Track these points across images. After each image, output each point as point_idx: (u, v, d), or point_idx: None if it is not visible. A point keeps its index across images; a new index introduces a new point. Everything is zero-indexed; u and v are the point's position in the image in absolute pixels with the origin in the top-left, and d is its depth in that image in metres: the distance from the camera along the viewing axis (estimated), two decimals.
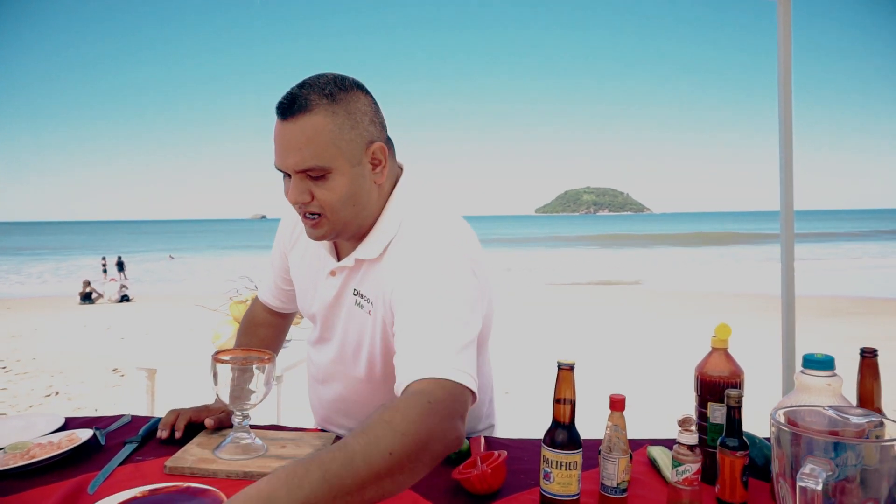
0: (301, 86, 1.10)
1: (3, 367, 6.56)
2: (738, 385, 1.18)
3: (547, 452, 1.05)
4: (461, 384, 0.98)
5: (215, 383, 1.21)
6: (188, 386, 4.93)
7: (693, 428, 1.06)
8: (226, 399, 1.22)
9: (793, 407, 0.92)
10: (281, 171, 1.14)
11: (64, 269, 23.26)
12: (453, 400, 0.96)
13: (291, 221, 1.41)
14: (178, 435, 1.33)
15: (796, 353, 2.07)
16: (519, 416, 4.67)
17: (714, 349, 1.21)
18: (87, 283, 13.57)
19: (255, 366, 1.21)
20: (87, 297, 13.34)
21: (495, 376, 1.54)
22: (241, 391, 1.22)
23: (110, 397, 5.33)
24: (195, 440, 1.31)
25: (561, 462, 1.03)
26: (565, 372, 1.05)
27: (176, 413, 1.38)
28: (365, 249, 1.21)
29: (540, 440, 1.37)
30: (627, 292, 13.90)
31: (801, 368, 1.10)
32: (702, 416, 1.21)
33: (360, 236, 1.22)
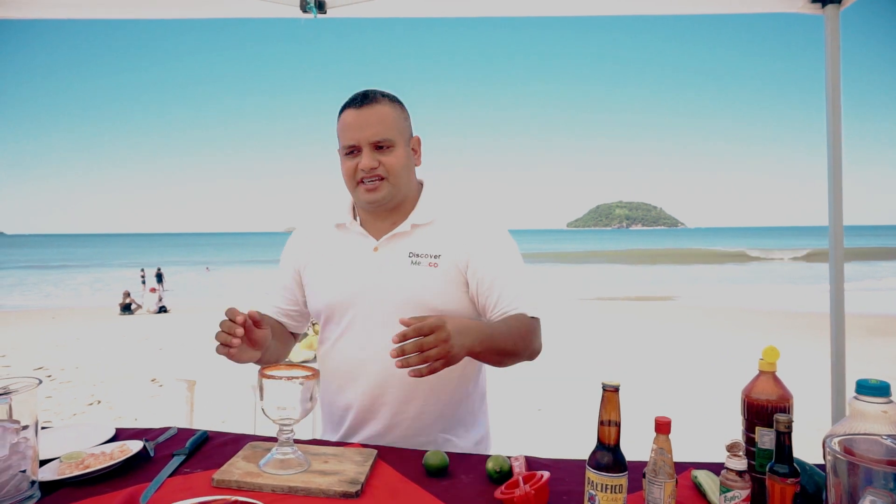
0: (365, 90, 1.48)
1: (49, 376, 6.77)
2: (787, 409, 1.16)
3: (592, 475, 1.04)
4: (536, 317, 1.49)
5: (261, 398, 1.24)
6: (226, 397, 5.03)
7: (742, 453, 1.04)
8: (272, 414, 1.24)
9: (848, 435, 0.89)
10: (353, 147, 1.45)
11: (104, 281, 23.96)
12: (539, 328, 1.49)
13: (302, 235, 1.65)
14: (241, 321, 1.32)
15: (846, 377, 2.01)
16: (553, 434, 4.62)
17: (762, 372, 1.19)
18: (127, 295, 13.94)
19: (300, 381, 1.23)
20: (126, 308, 13.70)
21: (529, 393, 1.63)
22: (285, 406, 1.24)
23: (149, 407, 5.45)
24: (241, 453, 1.33)
25: (606, 485, 1.02)
26: (610, 394, 1.04)
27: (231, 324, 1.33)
28: (418, 216, 1.52)
29: (579, 461, 1.37)
30: (660, 308, 13.65)
31: (855, 394, 1.07)
32: (749, 440, 1.18)
33: (399, 211, 1.53)
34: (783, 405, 1.15)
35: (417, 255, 1.50)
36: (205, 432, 1.47)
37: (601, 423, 1.05)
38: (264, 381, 1.23)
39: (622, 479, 1.03)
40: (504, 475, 1.26)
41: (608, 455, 1.04)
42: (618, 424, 1.04)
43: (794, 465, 1.06)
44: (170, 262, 34.60)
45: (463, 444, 1.56)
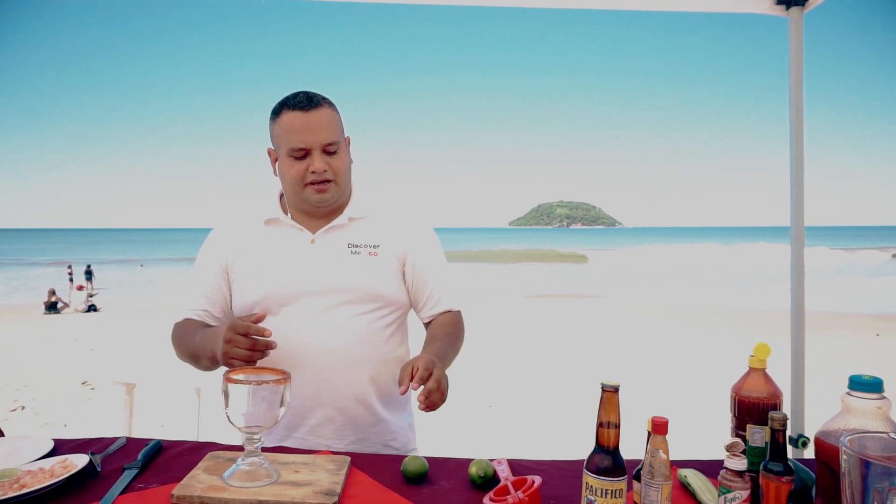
0: (305, 92, 1.48)
1: None
2: (777, 407, 1.14)
3: (591, 479, 0.99)
4: (462, 309, 1.66)
5: (226, 405, 1.13)
6: (164, 401, 4.76)
7: (741, 453, 1.02)
8: (239, 422, 1.13)
9: (859, 433, 0.88)
10: (302, 150, 1.45)
11: (26, 279, 22.50)
12: (462, 319, 1.66)
13: (226, 231, 1.61)
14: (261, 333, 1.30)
15: (805, 372, 2.05)
16: (506, 431, 4.61)
17: (752, 369, 1.17)
18: (53, 293, 13.13)
19: (269, 386, 1.13)
20: (52, 307, 12.90)
21: (479, 390, 1.67)
22: (254, 412, 1.13)
23: (80, 412, 5.11)
24: (202, 465, 1.22)
25: (606, 490, 0.97)
26: (610, 394, 0.99)
27: (228, 350, 1.27)
28: (354, 210, 1.57)
29: (562, 461, 1.33)
30: (590, 306, 13.94)
31: (849, 390, 1.06)
32: (739, 438, 1.17)
33: (336, 208, 1.56)
34: (774, 402, 1.14)
35: (356, 246, 1.54)
36: (158, 442, 1.35)
37: (600, 424, 1.00)
38: (230, 386, 1.12)
39: (622, 484, 0.98)
40: (488, 480, 1.20)
41: (608, 458, 0.99)
42: (617, 426, 1.00)
43: (789, 463, 1.05)
44: (101, 258, 32.89)
45: (400, 423, 1.61)
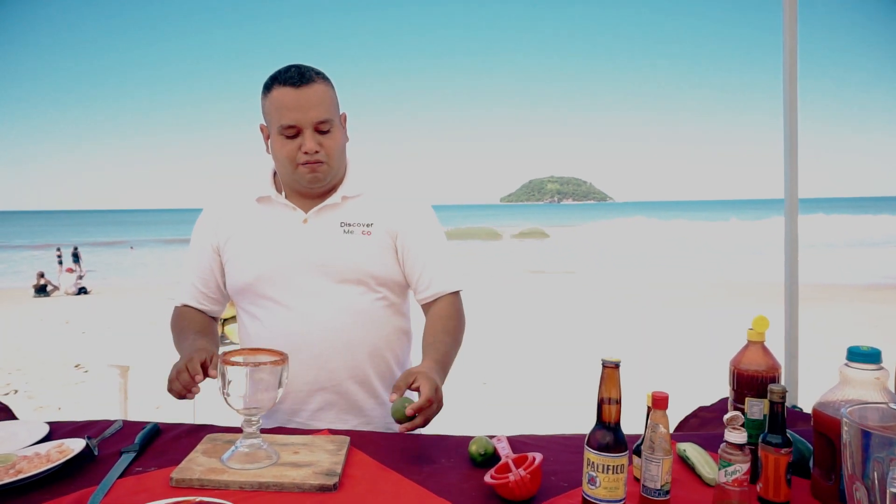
0: (297, 66, 1.41)
1: None
2: (776, 379, 1.14)
3: (592, 455, 0.99)
4: (461, 289, 1.58)
5: (224, 387, 1.12)
6: (159, 382, 4.76)
7: (741, 426, 1.02)
8: (237, 404, 1.12)
9: (861, 404, 0.88)
10: (293, 128, 1.39)
11: (13, 262, 22.29)
12: (461, 303, 1.57)
13: (218, 210, 1.57)
14: (200, 379, 1.26)
15: (799, 343, 2.07)
16: (502, 408, 4.64)
17: (750, 342, 1.17)
18: (42, 275, 13.01)
19: (267, 367, 1.12)
20: (41, 290, 12.80)
21: (474, 367, 1.64)
22: (252, 394, 1.12)
23: (74, 395, 5.10)
24: (200, 447, 1.21)
25: (608, 465, 0.98)
26: (610, 370, 0.99)
27: (185, 370, 1.27)
28: (348, 189, 1.52)
29: (558, 436, 1.33)
30: (582, 282, 14.00)
31: (847, 361, 1.06)
32: (738, 411, 1.17)
33: (330, 187, 1.51)
34: (772, 375, 1.14)
35: (349, 225, 1.50)
36: (155, 425, 1.34)
37: (602, 401, 1.00)
38: (227, 368, 1.11)
39: (623, 459, 0.98)
40: (488, 458, 1.20)
41: (609, 434, 0.99)
42: (618, 402, 1.00)
43: (787, 435, 1.05)
44: (88, 240, 32.59)
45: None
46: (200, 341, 1.40)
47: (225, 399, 1.12)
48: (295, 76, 1.39)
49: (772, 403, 1.05)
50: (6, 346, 7.13)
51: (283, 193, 1.53)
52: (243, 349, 1.18)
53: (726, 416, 1.03)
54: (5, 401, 4.92)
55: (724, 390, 1.27)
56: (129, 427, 1.33)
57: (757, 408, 1.14)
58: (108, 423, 1.35)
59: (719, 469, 1.01)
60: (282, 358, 1.15)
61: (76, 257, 17.06)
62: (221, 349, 1.40)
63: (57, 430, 1.31)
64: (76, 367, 6.03)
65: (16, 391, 5.23)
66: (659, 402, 1.03)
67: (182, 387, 1.25)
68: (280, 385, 1.14)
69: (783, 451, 1.03)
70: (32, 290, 12.79)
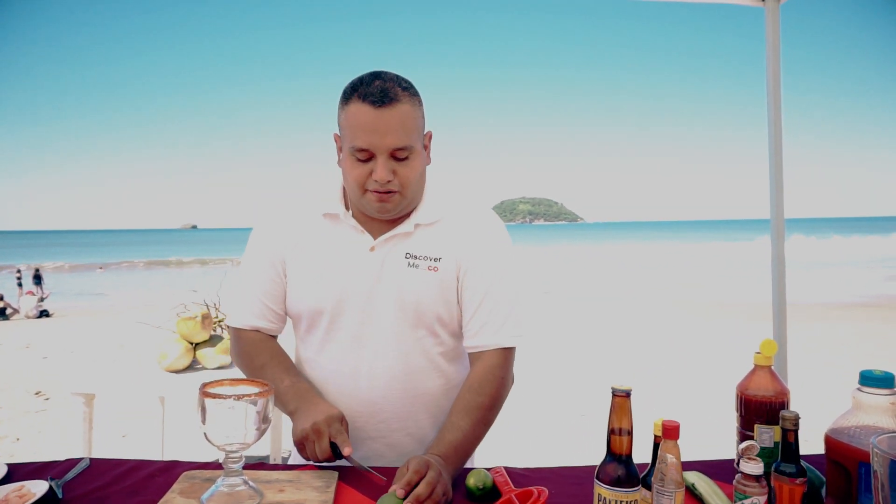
0: (380, 79, 1.25)
1: None
2: (785, 405, 1.11)
3: (603, 490, 0.93)
4: (514, 347, 1.37)
5: (203, 421, 1.03)
6: (128, 413, 4.55)
7: (756, 455, 0.97)
8: (218, 440, 1.04)
9: (888, 432, 0.84)
10: (365, 150, 1.24)
11: None
12: (510, 363, 1.37)
13: (284, 220, 1.41)
14: (348, 452, 1.18)
15: (788, 362, 2.05)
16: (494, 438, 4.54)
17: (757, 367, 1.14)
18: (0, 298, 12.53)
19: (251, 400, 1.04)
20: (0, 313, 12.32)
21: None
22: (234, 431, 1.04)
23: (34, 424, 4.85)
24: (176, 487, 1.12)
25: (620, 501, 0.92)
26: (621, 399, 0.94)
27: (311, 439, 1.19)
28: (423, 216, 1.36)
29: (563, 468, 1.27)
30: (568, 304, 14.04)
31: (860, 386, 1.03)
32: (745, 437, 1.13)
33: (402, 214, 1.35)
34: (781, 400, 1.11)
35: (415, 258, 1.34)
36: (130, 461, 1.23)
37: (612, 431, 0.94)
38: (207, 401, 1.02)
39: (636, 494, 0.93)
40: (487, 492, 1.13)
41: (621, 468, 0.93)
42: (630, 433, 0.94)
43: (801, 464, 1.01)
44: (49, 261, 31.62)
45: None
46: (313, 392, 1.30)
47: (204, 435, 1.04)
48: (376, 94, 1.22)
49: (784, 431, 1.01)
50: None
51: (351, 212, 1.38)
52: (224, 380, 1.10)
53: (742, 446, 0.98)
54: None
55: (727, 416, 1.23)
56: (98, 466, 1.23)
57: (767, 435, 1.10)
58: (74, 461, 1.24)
59: (735, 501, 0.96)
60: (266, 389, 1.07)
61: (38, 279, 16.50)
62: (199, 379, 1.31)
63: (17, 471, 1.20)
64: (37, 394, 5.76)
65: None
66: (670, 432, 0.98)
67: (322, 457, 1.17)
68: (265, 420, 1.06)
69: (798, 480, 0.99)
70: None
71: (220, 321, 3.30)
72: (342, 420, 1.23)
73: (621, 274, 21.60)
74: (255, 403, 1.05)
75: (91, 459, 1.24)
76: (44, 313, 12.64)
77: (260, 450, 3.87)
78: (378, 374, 1.32)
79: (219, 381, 1.10)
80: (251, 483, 1.09)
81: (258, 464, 1.25)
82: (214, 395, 1.02)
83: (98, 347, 8.08)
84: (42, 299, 13.16)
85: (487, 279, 1.35)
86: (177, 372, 2.97)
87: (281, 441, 3.34)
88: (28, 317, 12.42)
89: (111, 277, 24.07)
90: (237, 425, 1.04)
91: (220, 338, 3.09)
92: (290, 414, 1.27)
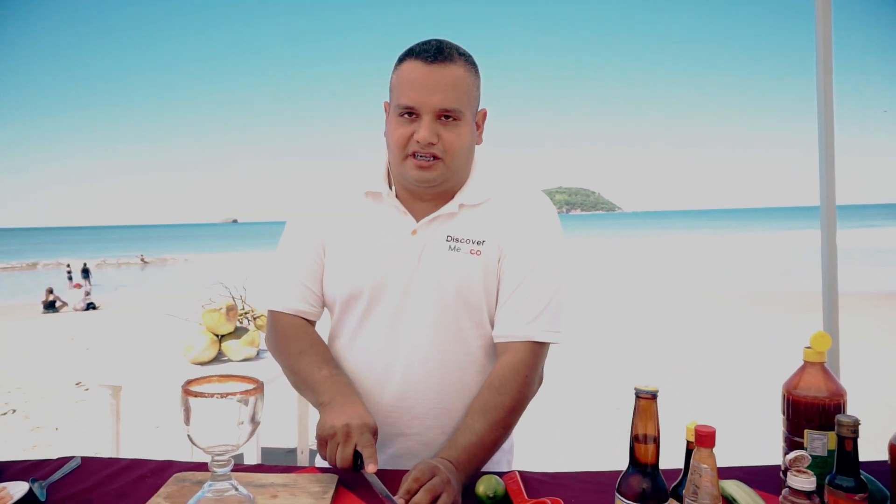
0: (439, 41, 1.20)
1: None
2: (841, 408, 0.97)
3: None
4: (547, 343, 1.24)
5: (187, 422, 0.95)
6: (157, 404, 4.59)
7: (806, 468, 0.84)
8: (202, 442, 0.96)
9: None
10: (411, 110, 1.17)
11: (26, 278, 22.38)
12: (539, 361, 1.24)
13: (324, 202, 1.34)
14: (372, 469, 1.06)
15: (840, 358, 1.88)
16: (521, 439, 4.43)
17: (808, 363, 1.00)
18: (50, 291, 12.98)
19: (238, 398, 0.96)
20: (50, 306, 12.76)
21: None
22: (220, 432, 0.96)
23: (74, 414, 4.96)
24: (163, 491, 1.04)
25: None
26: (646, 402, 0.82)
27: (337, 440, 1.09)
28: (468, 196, 1.27)
29: (573, 474, 1.14)
30: (599, 294, 13.73)
31: None
32: (794, 445, 0.99)
33: (446, 192, 1.27)
34: (836, 402, 0.96)
35: (457, 240, 1.24)
36: (123, 460, 1.17)
37: (636, 438, 0.82)
38: (190, 399, 0.94)
39: None
40: (499, 501, 1.02)
41: (647, 480, 0.81)
42: (657, 440, 0.82)
43: (862, 477, 0.87)
44: (98, 255, 32.75)
45: (496, 455, 1.28)
46: (351, 390, 1.20)
47: (189, 437, 0.96)
48: (431, 50, 1.17)
49: (840, 438, 0.87)
50: (9, 364, 7.03)
51: (395, 191, 1.29)
52: (212, 376, 1.02)
53: (789, 456, 0.84)
54: (2, 421, 4.76)
55: (771, 418, 1.09)
56: (89, 464, 1.17)
57: (819, 442, 0.96)
58: (65, 460, 1.18)
59: None
60: (256, 387, 0.99)
61: (86, 273, 17.10)
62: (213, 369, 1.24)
63: (7, 469, 1.15)
64: (77, 384, 5.90)
65: (14, 411, 5.09)
66: (704, 439, 0.85)
67: (342, 464, 1.08)
68: (253, 420, 0.98)
69: (857, 496, 0.85)
70: (41, 306, 12.76)
71: (245, 313, 3.27)
72: (375, 432, 1.12)
73: (657, 264, 21.08)
74: (244, 402, 0.97)
75: (83, 458, 1.18)
76: (90, 306, 13.05)
77: (287, 441, 3.86)
78: (414, 365, 1.24)
79: (206, 377, 1.01)
80: (240, 488, 1.01)
81: (254, 466, 1.17)
82: (197, 394, 0.94)
83: (131, 339, 8.27)
84: (88, 293, 13.58)
85: (527, 263, 1.23)
86: (202, 364, 2.94)
87: (308, 433, 3.29)
88: (76, 309, 12.84)
89: (154, 271, 24.75)
90: (224, 426, 0.95)
91: (245, 329, 3.05)
92: (321, 405, 1.17)
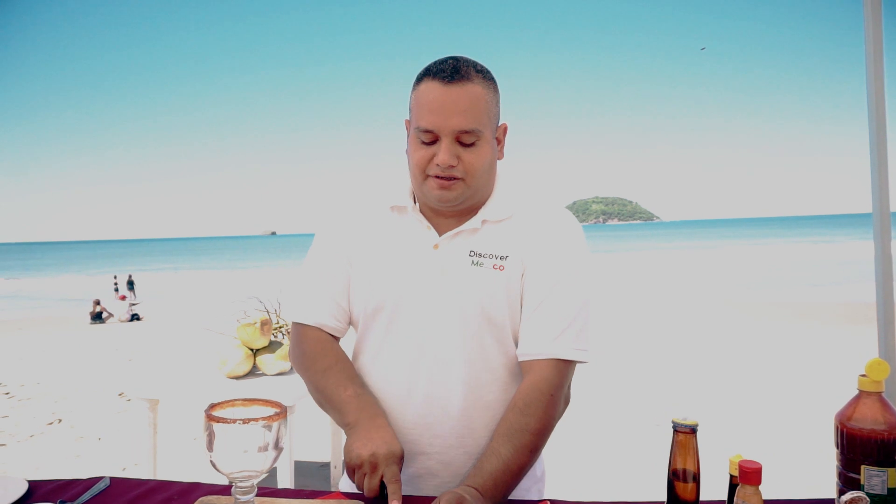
0: (456, 59, 1.19)
1: (7, 393, 6.33)
2: None
3: None
4: (573, 361, 1.21)
5: (209, 448, 0.94)
6: (192, 417, 4.66)
7: None
8: (226, 468, 0.94)
9: None
10: (430, 131, 1.17)
11: (75, 289, 23.22)
12: (565, 380, 1.20)
13: (353, 214, 1.34)
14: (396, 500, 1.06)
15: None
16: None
17: (863, 392, 0.93)
18: (97, 303, 13.40)
19: (262, 423, 0.94)
20: (97, 317, 13.16)
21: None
22: (243, 457, 0.94)
23: (116, 425, 5.07)
24: None
25: None
26: (685, 436, 0.77)
27: (364, 471, 1.10)
28: (491, 212, 1.26)
29: (608, 503, 1.10)
30: (626, 309, 13.47)
31: None
32: (849, 482, 0.92)
33: (470, 209, 1.27)
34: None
35: (480, 255, 1.23)
36: (151, 482, 1.17)
37: (675, 475, 0.77)
38: (214, 425, 0.93)
39: None
40: None
41: None
42: (697, 478, 0.77)
43: None
44: (142, 268, 33.77)
45: (525, 482, 1.26)
46: (378, 412, 1.19)
47: (211, 463, 0.94)
48: (448, 70, 1.16)
49: None
50: (57, 374, 7.26)
51: (418, 206, 1.30)
52: (236, 399, 1.00)
53: (845, 498, 0.78)
54: (48, 430, 4.89)
55: (825, 448, 1.02)
56: (118, 485, 1.17)
57: (878, 480, 0.88)
58: (95, 480, 1.19)
59: None
60: (280, 412, 0.97)
61: (131, 284, 17.59)
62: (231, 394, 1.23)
63: (37, 489, 1.16)
64: (119, 395, 6.04)
65: (60, 420, 5.24)
66: (750, 476, 0.80)
67: (369, 495, 1.08)
68: (277, 446, 0.96)
69: None
70: (89, 318, 13.17)
71: (280, 327, 3.29)
72: (401, 459, 1.11)
73: (696, 276, 20.54)
74: (268, 428, 0.95)
75: (111, 479, 1.18)
76: (135, 317, 13.41)
77: (321, 455, 3.86)
78: (436, 383, 1.22)
79: (230, 400, 1.00)
80: None
81: (280, 490, 1.16)
82: (220, 419, 0.93)
83: (170, 352, 8.44)
84: (133, 304, 13.97)
85: (551, 279, 1.21)
86: (237, 378, 2.97)
87: (340, 448, 3.29)
88: (121, 321, 13.22)
89: (195, 283, 25.36)
90: (246, 452, 0.94)
91: (279, 344, 3.06)
92: (347, 426, 1.17)
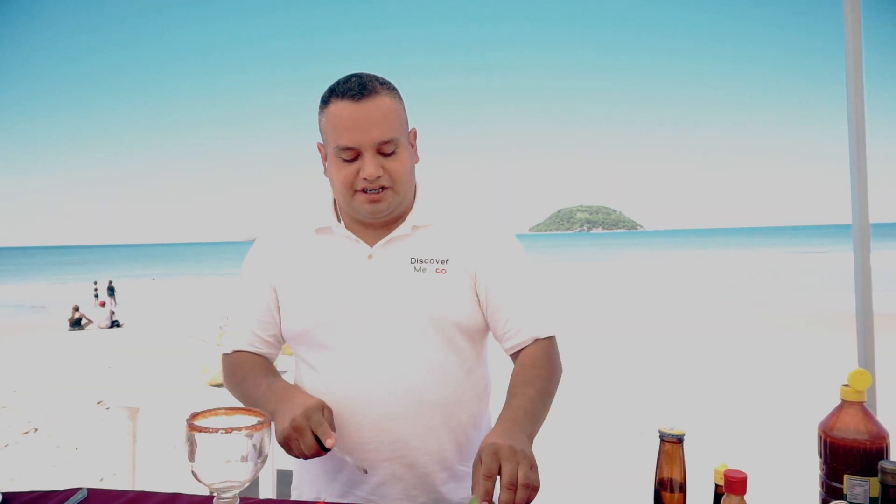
0: (359, 76, 1.23)
1: None
2: (884, 452, 0.90)
3: None
4: (553, 336, 1.33)
5: (192, 458, 0.92)
6: (173, 425, 4.59)
7: None
8: (208, 479, 0.93)
9: None
10: (350, 148, 1.20)
11: (53, 295, 22.82)
12: (554, 350, 1.33)
13: (273, 242, 1.38)
14: (331, 444, 1.10)
15: (878, 392, 1.79)
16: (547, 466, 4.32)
17: (846, 402, 0.94)
18: (76, 309, 13.20)
19: (245, 433, 0.92)
20: (76, 324, 12.96)
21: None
22: (225, 467, 0.92)
23: (94, 433, 4.98)
24: None
25: None
26: (672, 446, 0.77)
27: (294, 437, 1.12)
28: (419, 217, 1.31)
29: None
30: (613, 317, 13.55)
31: None
32: (832, 491, 0.93)
33: (397, 217, 1.31)
34: (879, 446, 0.90)
35: (421, 261, 1.28)
36: (129, 493, 1.14)
37: (661, 484, 0.77)
38: (196, 435, 0.91)
39: None
40: None
41: None
42: (683, 488, 0.77)
43: None
44: (122, 274, 33.32)
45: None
46: (290, 389, 1.23)
47: (193, 473, 0.92)
48: (355, 88, 1.20)
49: (885, 487, 0.81)
50: (34, 382, 7.11)
51: (343, 223, 1.33)
52: (218, 409, 0.99)
53: None
54: (24, 440, 4.79)
55: (808, 457, 1.03)
56: (95, 497, 1.14)
57: (860, 489, 0.89)
58: (72, 492, 1.16)
59: None
60: (263, 421, 0.96)
61: (111, 290, 17.35)
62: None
63: (12, 501, 1.13)
64: (98, 403, 5.94)
65: (36, 430, 5.14)
66: (735, 485, 0.80)
67: (310, 453, 1.10)
68: (260, 455, 0.94)
69: None
70: (68, 324, 12.96)
71: None
72: (323, 409, 1.14)
73: (679, 285, 20.70)
74: (251, 437, 0.93)
75: (89, 490, 1.15)
76: (115, 324, 13.22)
77: None
78: (391, 386, 1.24)
79: (213, 409, 0.99)
80: None
81: (263, 501, 1.14)
82: (202, 429, 0.91)
83: (151, 359, 8.31)
84: (113, 311, 13.77)
85: (511, 280, 1.31)
86: (218, 386, 2.93)
87: None
88: (100, 327, 13.02)
89: (177, 290, 25.06)
90: (229, 462, 0.92)
91: None
92: (271, 416, 1.16)
